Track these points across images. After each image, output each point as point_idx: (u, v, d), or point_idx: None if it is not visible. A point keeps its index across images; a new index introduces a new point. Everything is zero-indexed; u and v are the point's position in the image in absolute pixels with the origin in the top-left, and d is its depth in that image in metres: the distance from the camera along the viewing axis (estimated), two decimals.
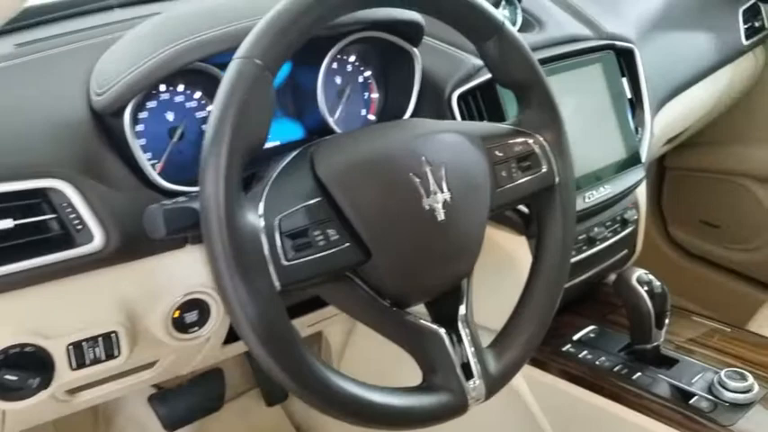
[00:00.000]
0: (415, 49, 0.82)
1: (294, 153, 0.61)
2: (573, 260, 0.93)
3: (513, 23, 0.97)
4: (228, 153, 0.51)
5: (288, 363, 0.52)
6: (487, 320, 0.74)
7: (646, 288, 0.84)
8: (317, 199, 0.56)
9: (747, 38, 1.33)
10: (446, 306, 0.65)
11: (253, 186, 0.58)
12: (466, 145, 0.64)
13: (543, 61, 0.91)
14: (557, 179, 0.70)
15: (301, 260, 0.53)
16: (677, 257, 1.64)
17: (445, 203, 0.60)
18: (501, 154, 0.67)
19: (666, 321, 0.86)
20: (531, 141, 0.69)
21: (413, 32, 0.80)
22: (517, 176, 0.68)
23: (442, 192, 0.60)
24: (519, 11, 0.97)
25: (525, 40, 0.91)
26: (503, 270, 0.90)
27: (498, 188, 0.66)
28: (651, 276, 0.86)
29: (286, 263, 0.53)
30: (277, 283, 0.52)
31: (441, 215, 0.60)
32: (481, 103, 0.85)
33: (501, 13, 0.66)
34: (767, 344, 0.90)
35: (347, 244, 0.56)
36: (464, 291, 0.65)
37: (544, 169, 0.69)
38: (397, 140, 0.61)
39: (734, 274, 1.56)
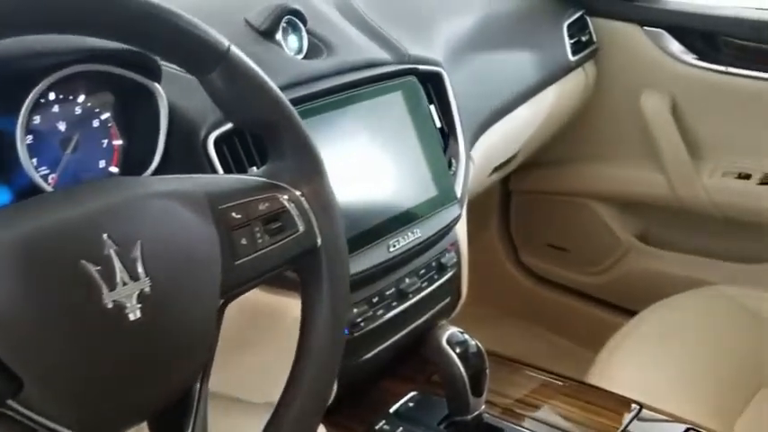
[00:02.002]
0: (156, 85, 0.66)
1: None
2: (383, 319, 0.81)
3: (300, 50, 0.83)
4: None
5: None
6: None
7: (458, 350, 0.72)
8: None
9: (574, 53, 1.28)
10: (168, 426, 0.49)
11: None
12: (179, 211, 0.49)
13: (332, 90, 0.78)
14: (319, 240, 0.56)
15: None
16: (529, 284, 1.57)
17: (142, 296, 0.45)
18: (239, 216, 0.52)
19: (486, 386, 0.74)
20: (282, 197, 0.55)
21: (147, 64, 0.64)
22: (264, 243, 0.53)
23: (136, 280, 0.44)
24: (304, 34, 0.83)
25: (310, 66, 0.81)
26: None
27: (237, 260, 0.52)
28: (465, 336, 0.74)
29: None
30: None
31: (135, 313, 0.44)
32: (251, 147, 0.71)
33: (225, 38, 0.52)
34: (602, 399, 0.80)
35: None
36: (193, 403, 0.50)
37: (301, 230, 0.55)
38: (67, 215, 0.45)
39: (586, 298, 1.51)
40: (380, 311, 0.80)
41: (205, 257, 0.49)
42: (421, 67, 0.89)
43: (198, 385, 0.50)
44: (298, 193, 0.56)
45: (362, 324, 0.77)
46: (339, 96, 0.79)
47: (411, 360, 0.89)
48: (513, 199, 1.56)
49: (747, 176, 1.27)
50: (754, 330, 1.06)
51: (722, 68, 1.26)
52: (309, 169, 0.57)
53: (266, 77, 0.54)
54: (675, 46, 1.30)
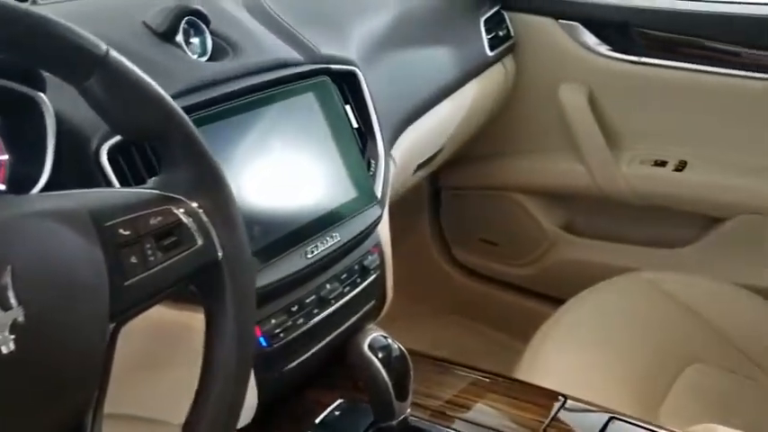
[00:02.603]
0: (40, 94, 0.62)
1: None
2: (304, 328, 0.78)
3: (204, 52, 0.79)
4: None
5: None
6: None
7: (381, 355, 0.71)
8: None
9: (492, 48, 1.28)
10: None
11: None
12: (56, 230, 0.45)
13: (239, 93, 0.75)
14: (220, 254, 0.53)
15: None
16: (463, 279, 1.58)
17: (15, 326, 0.41)
18: (128, 233, 0.49)
19: (410, 390, 0.72)
20: (177, 210, 0.52)
21: (29, 72, 0.60)
22: (157, 260, 0.50)
23: (8, 309, 0.41)
24: (208, 36, 0.80)
25: (214, 69, 0.77)
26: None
27: (127, 281, 0.48)
28: (388, 340, 0.73)
29: None
30: None
31: (8, 345, 0.40)
32: (152, 158, 0.67)
33: (101, 41, 0.49)
34: (529, 393, 0.80)
35: None
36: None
37: (199, 243, 0.52)
38: None
39: (518, 291, 1.52)
40: (300, 320, 0.77)
41: (89, 280, 0.45)
42: (334, 66, 0.87)
43: (90, 415, 0.47)
44: (194, 204, 0.53)
45: (282, 335, 0.75)
46: (247, 99, 0.76)
47: (337, 367, 0.87)
48: (443, 196, 1.56)
49: (663, 164, 1.30)
50: (672, 313, 1.08)
51: (636, 59, 1.29)
52: (206, 179, 0.54)
53: (151, 82, 0.51)
54: (590, 38, 1.32)
